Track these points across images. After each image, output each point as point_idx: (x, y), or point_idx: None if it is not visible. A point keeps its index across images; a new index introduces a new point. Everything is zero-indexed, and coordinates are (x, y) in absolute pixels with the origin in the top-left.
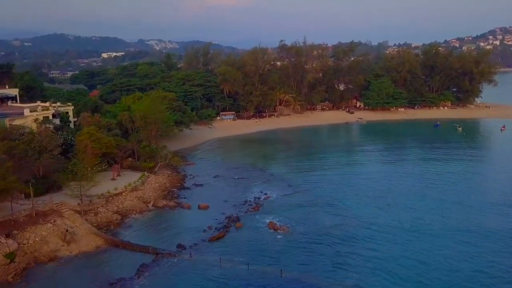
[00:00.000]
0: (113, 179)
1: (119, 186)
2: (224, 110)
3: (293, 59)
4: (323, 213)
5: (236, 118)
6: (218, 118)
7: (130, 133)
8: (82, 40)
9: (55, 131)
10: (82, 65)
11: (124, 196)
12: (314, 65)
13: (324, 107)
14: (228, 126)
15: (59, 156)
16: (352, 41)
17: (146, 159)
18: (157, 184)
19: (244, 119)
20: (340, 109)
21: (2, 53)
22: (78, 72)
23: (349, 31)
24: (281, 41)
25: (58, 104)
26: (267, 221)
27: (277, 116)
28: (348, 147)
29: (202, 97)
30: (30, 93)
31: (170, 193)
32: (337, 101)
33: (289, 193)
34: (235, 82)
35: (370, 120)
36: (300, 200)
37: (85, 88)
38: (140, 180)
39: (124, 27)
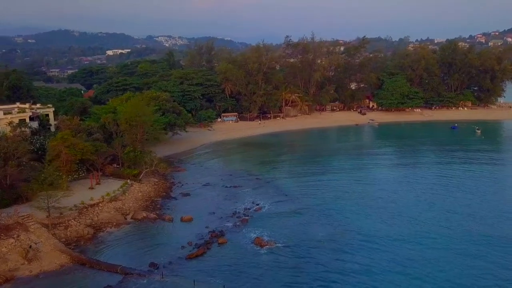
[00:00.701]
0: (91, 188)
1: (97, 195)
2: (225, 111)
3: (300, 56)
4: (318, 226)
5: (238, 119)
6: (219, 119)
7: (114, 137)
8: (87, 36)
9: (31, 135)
10: (85, 62)
11: (101, 207)
12: (322, 62)
13: (335, 108)
14: (229, 128)
15: (33, 163)
16: (364, 36)
17: (130, 166)
18: (140, 194)
19: (247, 121)
20: (352, 110)
21: (4, 50)
22: (76, 70)
23: (369, 26)
24: (287, 36)
25: (38, 105)
26: (254, 236)
27: (282, 118)
28: (355, 152)
29: (201, 97)
30: (16, 94)
31: (153, 204)
32: (348, 101)
33: (283, 204)
34: (237, 81)
35: (383, 122)
36: (294, 211)
37: (81, 87)
38: (121, 189)
39: (132, 23)
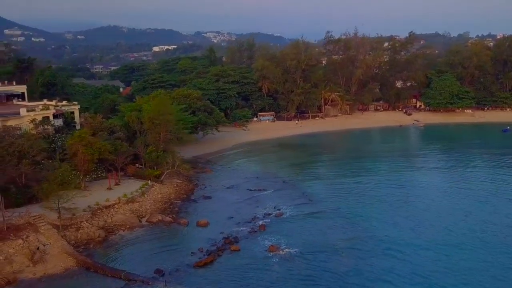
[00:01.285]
0: (109, 188)
1: (114, 196)
2: (262, 110)
3: (341, 53)
4: (340, 233)
5: (275, 119)
6: (255, 119)
7: (138, 136)
8: (136, 32)
9: (54, 133)
10: (131, 59)
11: (116, 208)
12: (365, 59)
13: (378, 108)
14: (264, 128)
15: (51, 162)
16: (411, 32)
17: (152, 166)
18: (159, 195)
19: (284, 121)
20: (397, 110)
21: (53, 46)
22: (118, 67)
23: (426, 22)
24: (327, 32)
25: (63, 103)
26: (269, 243)
27: (321, 117)
28: (395, 154)
29: (237, 95)
30: (50, 91)
31: (172, 206)
32: (393, 101)
33: (307, 209)
34: (274, 79)
35: (429, 123)
36: (316, 217)
37: (120, 84)
38: (140, 190)
39: (181, 19)
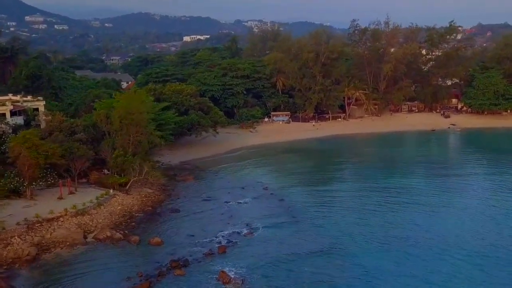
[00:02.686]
0: (60, 198)
1: (63, 207)
2: (276, 109)
3: (369, 44)
4: (316, 264)
5: (290, 120)
6: (266, 119)
7: (106, 138)
8: (169, 20)
9: (12, 132)
10: (158, 50)
11: (61, 222)
12: (395, 51)
13: (413, 108)
14: (275, 130)
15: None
16: (452, 21)
17: (118, 173)
18: (119, 207)
19: (300, 122)
20: (434, 111)
21: (76, 35)
22: (129, 59)
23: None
24: (353, 20)
25: (28, 98)
26: (220, 269)
27: (344, 119)
28: (419, 166)
29: (245, 92)
30: (35, 84)
31: (129, 220)
32: (429, 101)
33: (287, 231)
34: (290, 74)
35: (469, 127)
36: (292, 241)
37: (127, 78)
38: (96, 201)
39: (220, 6)
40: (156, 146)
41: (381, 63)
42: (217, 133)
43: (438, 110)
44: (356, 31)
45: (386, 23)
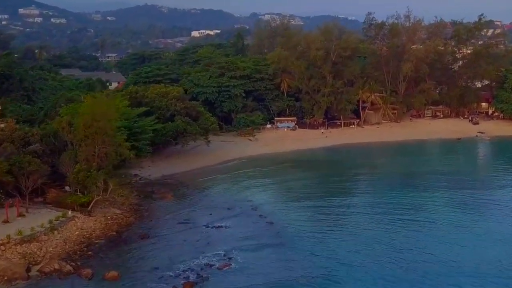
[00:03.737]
0: (5, 221)
1: (5, 233)
2: (281, 114)
3: (387, 41)
4: None
5: (296, 126)
6: (268, 126)
7: (69, 149)
8: (178, 13)
9: None
10: (162, 46)
11: (1, 251)
12: (416, 49)
13: (438, 113)
14: (278, 138)
15: None
16: (482, 15)
17: (81, 190)
18: (77, 232)
19: (308, 128)
20: (461, 117)
21: (74, 29)
22: (125, 56)
23: None
24: (368, 14)
25: None
26: None
27: (358, 125)
28: (432, 180)
29: (244, 94)
30: (5, 84)
31: (87, 248)
32: (455, 105)
33: (269, 260)
34: (296, 74)
35: (499, 136)
36: (276, 274)
37: (118, 77)
38: (49, 225)
39: None
40: (126, 159)
41: (401, 62)
42: (209, 141)
43: (466, 116)
44: (372, 26)
45: (407, 16)
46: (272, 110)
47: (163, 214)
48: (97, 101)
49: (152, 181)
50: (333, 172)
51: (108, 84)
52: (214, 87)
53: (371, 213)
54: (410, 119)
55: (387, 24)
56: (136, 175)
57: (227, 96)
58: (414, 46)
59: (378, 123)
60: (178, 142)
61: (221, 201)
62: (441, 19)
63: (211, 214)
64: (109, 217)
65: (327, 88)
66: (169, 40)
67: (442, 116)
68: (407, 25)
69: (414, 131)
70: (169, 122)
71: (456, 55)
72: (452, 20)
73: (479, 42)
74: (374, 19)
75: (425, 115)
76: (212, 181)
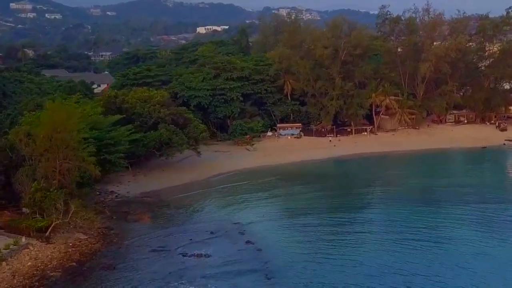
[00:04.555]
0: None
1: None
2: (284, 120)
3: (403, 38)
4: None
5: (301, 134)
6: (269, 133)
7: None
8: (184, 8)
9: None
10: (162, 43)
11: None
12: (435, 46)
13: (461, 119)
14: (280, 147)
15: None
16: (510, 8)
17: (39, 213)
18: (29, 263)
19: (315, 136)
20: (488, 122)
21: (70, 25)
22: (118, 55)
23: None
24: (382, 7)
25: None
26: None
27: (371, 132)
28: (450, 197)
29: (241, 98)
30: None
31: (38, 283)
32: (480, 109)
33: None
34: (300, 75)
35: None
36: None
37: (107, 79)
38: None
39: None
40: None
41: (419, 62)
42: (199, 152)
43: (492, 121)
44: (387, 21)
45: (426, 10)
46: (274, 116)
47: (136, 239)
48: (58, 108)
49: (130, 199)
50: (338, 188)
51: (95, 86)
52: (208, 90)
53: (380, 237)
54: (428, 125)
55: (403, 18)
56: (112, 192)
57: (223, 100)
58: (434, 44)
59: (393, 130)
60: (163, 154)
61: (205, 223)
62: (464, 13)
63: (191, 239)
64: (70, 244)
65: (335, 91)
66: (172, 37)
67: (466, 121)
68: (426, 19)
69: (433, 139)
70: (152, 131)
71: (481, 53)
72: (476, 14)
73: (507, 39)
74: (388, 13)
75: (447, 121)
76: (197, 199)
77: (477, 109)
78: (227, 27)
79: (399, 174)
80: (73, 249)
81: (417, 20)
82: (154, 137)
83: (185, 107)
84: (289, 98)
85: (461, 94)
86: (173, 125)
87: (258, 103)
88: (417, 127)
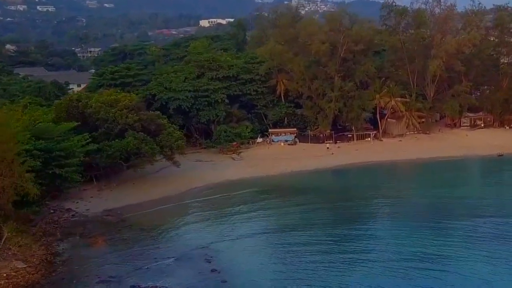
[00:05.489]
0: None
1: None
2: (278, 124)
3: (411, 32)
4: None
5: (296, 140)
6: (259, 140)
7: None
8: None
9: None
10: (166, 37)
11: None
12: (446, 41)
13: (478, 122)
14: (271, 155)
15: None
16: None
17: None
18: None
19: (311, 142)
20: (508, 126)
21: (63, 18)
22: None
23: None
24: None
25: None
26: None
27: (376, 138)
28: (460, 218)
29: (227, 100)
30: None
31: None
32: (498, 112)
33: None
34: (295, 73)
35: None
36: None
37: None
38: None
39: None
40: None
41: (428, 59)
42: (176, 162)
43: None
44: (392, 13)
45: (437, 1)
46: (266, 120)
47: (84, 268)
48: None
49: (88, 218)
50: (330, 204)
51: (73, 86)
52: (190, 91)
53: (380, 270)
54: (440, 130)
55: (410, 10)
56: (69, 209)
57: (206, 102)
58: (445, 38)
59: (401, 135)
60: (131, 165)
61: (168, 246)
62: (479, 4)
63: (147, 267)
64: (5, 275)
65: (334, 92)
66: (173, 31)
67: (483, 125)
68: (436, 11)
69: (444, 145)
70: (116, 140)
71: (500, 49)
72: (494, 5)
73: None
74: (394, 3)
75: (461, 124)
76: (166, 217)
77: (495, 111)
78: (232, 19)
79: (399, 188)
80: (7, 281)
81: (427, 12)
82: (120, 147)
83: (159, 112)
84: (283, 100)
85: (478, 94)
86: (142, 133)
87: (248, 106)
88: (428, 132)
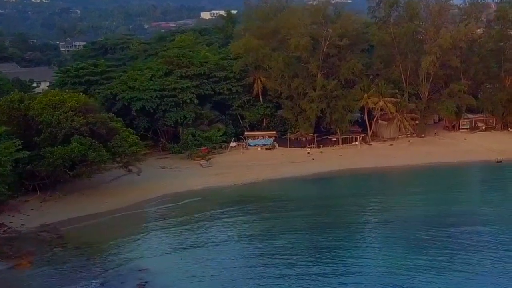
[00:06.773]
0: None
1: None
2: (256, 127)
3: (403, 25)
4: None
5: (275, 144)
6: (233, 144)
7: None
8: None
9: None
10: (163, 30)
11: None
12: (440, 35)
13: (479, 124)
14: (241, 162)
15: None
16: None
17: None
18: None
19: (290, 147)
20: (511, 129)
21: (56, 10)
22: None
23: None
24: None
25: None
26: None
27: (365, 142)
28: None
29: (197, 101)
30: None
31: None
32: (500, 113)
33: None
34: (273, 71)
35: None
36: None
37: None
38: None
39: None
40: None
41: (421, 55)
42: (130, 170)
43: None
44: (381, 4)
45: None
46: (242, 122)
47: None
48: None
49: (21, 235)
50: (303, 220)
51: (45, 84)
52: (155, 90)
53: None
54: (435, 133)
55: (401, 1)
56: (1, 224)
57: (173, 103)
58: (440, 32)
59: (392, 139)
60: (77, 174)
61: (100, 269)
62: None
63: None
64: None
65: (316, 91)
66: (171, 24)
67: (484, 127)
68: (430, 3)
69: (438, 150)
70: (61, 146)
71: (502, 44)
72: None
73: None
74: None
75: (460, 127)
76: (106, 233)
77: (497, 112)
78: (235, 11)
79: (387, 202)
80: None
81: (420, 3)
82: (63, 153)
83: (112, 114)
84: (261, 100)
85: (479, 93)
86: (91, 138)
87: (222, 107)
88: (423, 135)
